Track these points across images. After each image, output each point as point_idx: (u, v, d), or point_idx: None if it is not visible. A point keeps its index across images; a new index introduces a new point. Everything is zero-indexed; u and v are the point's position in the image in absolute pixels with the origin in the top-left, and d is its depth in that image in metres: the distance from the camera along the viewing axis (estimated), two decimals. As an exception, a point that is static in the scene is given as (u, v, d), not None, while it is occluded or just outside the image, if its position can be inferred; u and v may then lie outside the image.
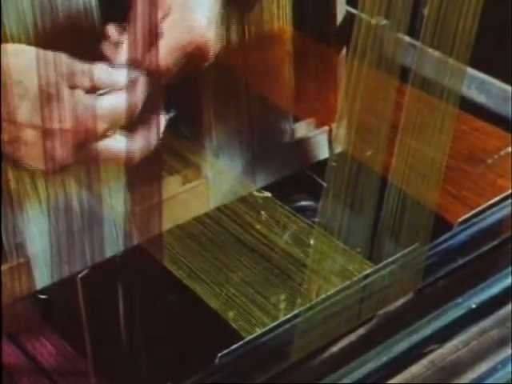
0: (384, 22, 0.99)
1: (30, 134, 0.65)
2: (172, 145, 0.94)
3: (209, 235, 0.88)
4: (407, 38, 0.76)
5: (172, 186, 0.91)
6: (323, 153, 1.01)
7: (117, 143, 0.70)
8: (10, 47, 0.66)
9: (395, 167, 0.76)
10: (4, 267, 0.79)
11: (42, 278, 0.81)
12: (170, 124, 0.94)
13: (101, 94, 0.68)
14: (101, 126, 0.67)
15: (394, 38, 0.79)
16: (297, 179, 1.00)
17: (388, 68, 0.76)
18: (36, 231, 0.79)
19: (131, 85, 0.68)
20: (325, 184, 0.97)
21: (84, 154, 0.69)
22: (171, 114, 0.98)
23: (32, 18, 0.69)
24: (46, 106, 0.64)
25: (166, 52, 0.70)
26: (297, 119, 0.98)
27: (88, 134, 0.67)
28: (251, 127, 0.93)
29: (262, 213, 0.91)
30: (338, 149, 1.01)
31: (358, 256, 0.80)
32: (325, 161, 1.00)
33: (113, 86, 0.68)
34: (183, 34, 0.71)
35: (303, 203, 1.01)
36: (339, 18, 0.97)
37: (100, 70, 0.68)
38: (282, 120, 0.96)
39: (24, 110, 0.64)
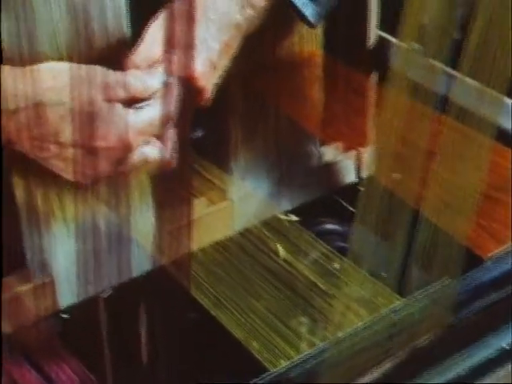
0: (416, 46, 0.98)
1: (70, 152, 0.66)
2: (198, 166, 0.93)
3: (233, 261, 0.87)
4: (442, 66, 0.74)
5: (196, 207, 0.90)
6: (350, 177, 1.00)
7: (150, 152, 0.70)
8: (43, 67, 0.66)
9: (426, 197, 0.75)
10: (28, 286, 0.78)
11: (66, 297, 0.80)
12: (197, 144, 0.93)
13: (138, 107, 0.68)
14: (139, 139, 0.68)
15: (426, 64, 0.78)
16: (323, 202, 0.99)
17: (421, 95, 0.75)
18: (61, 250, 0.78)
19: (165, 93, 0.68)
20: (351, 208, 0.97)
21: (122, 166, 0.69)
22: (198, 134, 0.98)
23: (65, 39, 0.68)
24: (87, 125, 0.64)
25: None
26: (324, 143, 0.97)
27: (126, 148, 0.68)
28: (278, 150, 0.92)
29: (287, 238, 0.90)
30: (367, 174, 1.01)
31: (386, 288, 0.78)
32: (352, 185, 0.99)
33: (147, 93, 0.68)
34: (179, 74, 0.69)
35: (329, 227, 0.99)
36: (370, 41, 0.96)
37: (134, 78, 0.68)
38: (309, 143, 0.95)
39: (66, 130, 0.65)
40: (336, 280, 0.83)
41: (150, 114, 0.68)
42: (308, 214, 0.96)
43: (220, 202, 0.90)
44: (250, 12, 0.74)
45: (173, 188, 0.81)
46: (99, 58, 0.69)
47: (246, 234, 0.91)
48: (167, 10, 0.71)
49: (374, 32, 0.97)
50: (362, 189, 0.97)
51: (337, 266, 0.86)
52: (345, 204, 0.99)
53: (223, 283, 0.83)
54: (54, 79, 0.64)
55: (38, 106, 0.63)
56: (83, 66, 0.65)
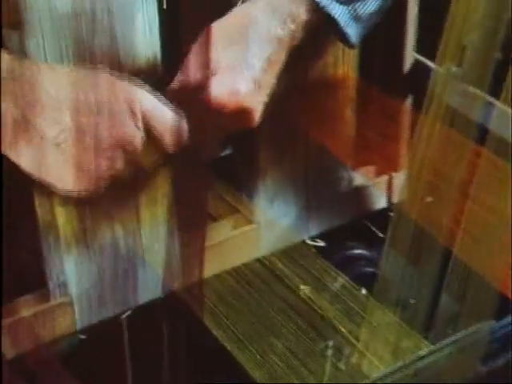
0: (455, 70, 0.95)
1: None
2: (224, 188, 0.91)
3: (253, 293, 0.84)
4: (482, 93, 0.71)
5: (222, 230, 0.88)
6: (381, 202, 0.97)
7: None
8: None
9: (457, 232, 0.72)
10: (46, 305, 0.76)
11: (83, 317, 0.78)
12: (223, 164, 0.91)
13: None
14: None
15: (465, 90, 0.75)
16: (351, 227, 0.96)
17: (458, 122, 0.73)
18: (80, 271, 0.76)
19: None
20: (381, 234, 0.94)
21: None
22: (226, 151, 0.96)
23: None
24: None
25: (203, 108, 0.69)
26: (355, 167, 0.95)
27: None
28: (307, 173, 0.90)
29: (310, 269, 0.87)
30: (398, 200, 0.98)
31: (413, 332, 0.75)
32: (381, 210, 0.97)
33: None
34: (225, 94, 0.68)
35: (357, 251, 0.96)
36: (406, 65, 0.94)
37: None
38: (339, 167, 0.92)
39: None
40: (360, 319, 0.79)
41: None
42: (335, 239, 0.93)
43: (245, 225, 0.88)
44: (291, 26, 0.72)
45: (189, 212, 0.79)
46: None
47: (266, 261, 0.88)
48: (204, 34, 0.70)
49: (410, 55, 0.94)
50: (392, 215, 0.95)
51: (361, 302, 0.82)
52: (374, 229, 0.96)
53: (241, 317, 0.80)
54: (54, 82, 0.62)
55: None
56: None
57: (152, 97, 0.66)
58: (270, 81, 0.72)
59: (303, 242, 0.92)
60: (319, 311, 0.81)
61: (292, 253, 0.89)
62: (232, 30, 0.71)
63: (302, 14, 0.72)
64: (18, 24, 0.63)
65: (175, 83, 0.70)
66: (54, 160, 0.63)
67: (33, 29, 0.64)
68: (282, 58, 0.72)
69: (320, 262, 0.88)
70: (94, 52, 0.67)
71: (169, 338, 0.79)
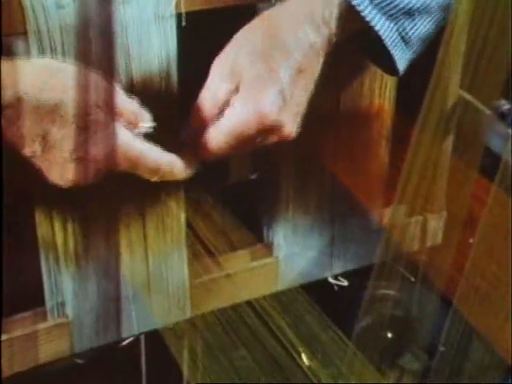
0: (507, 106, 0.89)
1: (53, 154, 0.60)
2: (245, 216, 0.87)
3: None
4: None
5: (239, 260, 0.84)
6: (413, 244, 0.92)
7: None
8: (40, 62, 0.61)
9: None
10: (43, 325, 0.74)
11: (81, 341, 0.75)
12: (245, 193, 0.88)
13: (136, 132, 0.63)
14: (125, 162, 0.62)
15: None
16: (380, 266, 0.91)
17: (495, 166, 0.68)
18: (80, 293, 0.73)
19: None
20: (408, 275, 0.88)
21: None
22: (253, 176, 0.92)
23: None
24: (78, 131, 0.59)
25: (228, 130, 0.64)
26: (387, 205, 0.89)
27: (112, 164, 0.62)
28: (333, 208, 0.85)
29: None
30: (432, 242, 0.92)
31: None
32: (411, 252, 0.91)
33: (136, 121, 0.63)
34: (249, 114, 0.64)
35: (383, 292, 0.91)
36: (449, 102, 0.88)
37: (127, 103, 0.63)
38: (369, 203, 0.87)
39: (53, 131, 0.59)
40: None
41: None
42: (360, 276, 0.88)
43: (265, 257, 0.84)
44: (325, 31, 0.66)
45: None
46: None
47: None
48: (228, 45, 0.66)
49: (454, 91, 0.89)
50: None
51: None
52: (404, 272, 0.91)
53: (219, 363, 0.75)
54: (51, 77, 0.59)
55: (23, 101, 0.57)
56: (88, 72, 0.58)
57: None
58: (300, 92, 0.66)
59: (325, 280, 0.88)
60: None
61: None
62: (257, 38, 0.65)
63: (339, 19, 0.65)
64: (26, 33, 0.61)
65: (200, 99, 0.66)
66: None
67: (42, 40, 0.61)
68: (315, 66, 0.66)
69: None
70: (105, 68, 0.64)
71: (166, 371, 0.76)
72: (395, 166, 0.86)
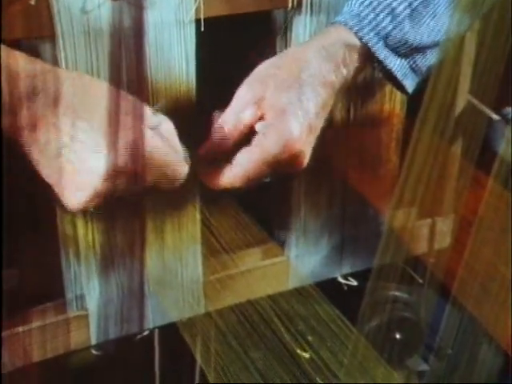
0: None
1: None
2: (257, 216, 0.89)
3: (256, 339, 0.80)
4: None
5: (250, 258, 0.86)
6: (421, 246, 0.94)
7: None
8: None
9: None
10: (62, 317, 0.76)
11: (99, 333, 0.78)
12: (258, 194, 0.90)
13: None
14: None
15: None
16: (389, 267, 0.93)
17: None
18: (100, 286, 0.76)
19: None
20: (417, 278, 0.90)
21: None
22: (267, 179, 0.94)
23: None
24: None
25: (256, 160, 0.67)
26: (396, 207, 0.91)
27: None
28: (344, 209, 0.87)
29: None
30: (440, 245, 0.94)
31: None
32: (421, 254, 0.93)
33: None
34: (275, 143, 0.67)
35: (393, 293, 0.93)
36: (458, 108, 0.90)
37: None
38: (378, 205, 0.89)
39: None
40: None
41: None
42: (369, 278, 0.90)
43: (275, 256, 0.86)
44: (344, 71, 0.70)
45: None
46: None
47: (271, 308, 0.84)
48: (255, 73, 0.69)
49: (464, 97, 0.91)
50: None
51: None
52: (412, 273, 0.93)
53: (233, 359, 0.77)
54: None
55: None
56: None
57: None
58: (320, 124, 0.70)
59: (335, 279, 0.90)
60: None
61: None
62: (285, 71, 0.69)
63: (356, 60, 0.70)
64: (51, 36, 0.64)
65: (223, 119, 0.69)
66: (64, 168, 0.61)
67: (65, 42, 0.64)
68: (332, 101, 0.71)
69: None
70: (125, 72, 0.67)
71: (181, 363, 0.78)
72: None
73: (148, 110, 0.64)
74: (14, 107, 0.58)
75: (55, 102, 0.59)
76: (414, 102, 0.86)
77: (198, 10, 0.67)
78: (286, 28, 0.73)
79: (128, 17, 0.52)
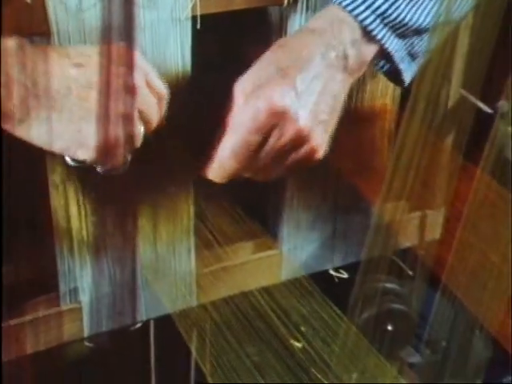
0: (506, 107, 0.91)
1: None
2: (249, 210, 0.90)
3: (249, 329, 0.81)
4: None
5: (243, 251, 0.87)
6: (412, 239, 0.95)
7: None
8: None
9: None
10: (55, 310, 0.77)
11: (92, 326, 0.79)
12: (252, 187, 0.90)
13: None
14: None
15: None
16: (378, 260, 0.94)
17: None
18: (93, 279, 0.76)
19: None
20: (408, 270, 0.91)
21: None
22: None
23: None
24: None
25: (241, 132, 0.67)
26: (387, 200, 0.92)
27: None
28: (336, 203, 0.88)
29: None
30: (431, 237, 0.95)
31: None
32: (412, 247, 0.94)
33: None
34: (260, 106, 0.66)
35: (384, 285, 0.94)
36: (450, 101, 0.91)
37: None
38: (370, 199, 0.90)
39: None
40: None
41: None
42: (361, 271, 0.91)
43: (268, 249, 0.87)
44: (340, 48, 0.69)
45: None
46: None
47: (268, 298, 0.85)
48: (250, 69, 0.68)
49: (456, 91, 0.91)
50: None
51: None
52: (402, 265, 0.94)
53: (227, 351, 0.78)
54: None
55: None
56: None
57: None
58: (324, 108, 0.69)
59: (326, 271, 0.91)
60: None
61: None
62: (277, 58, 0.68)
63: (354, 42, 0.69)
64: (46, 33, 0.64)
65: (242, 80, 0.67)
66: (67, 128, 0.61)
67: (60, 40, 0.64)
68: (334, 85, 0.69)
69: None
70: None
71: (176, 355, 0.79)
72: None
73: None
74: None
75: None
76: (407, 96, 0.87)
77: (194, 8, 0.66)
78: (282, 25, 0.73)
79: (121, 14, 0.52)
